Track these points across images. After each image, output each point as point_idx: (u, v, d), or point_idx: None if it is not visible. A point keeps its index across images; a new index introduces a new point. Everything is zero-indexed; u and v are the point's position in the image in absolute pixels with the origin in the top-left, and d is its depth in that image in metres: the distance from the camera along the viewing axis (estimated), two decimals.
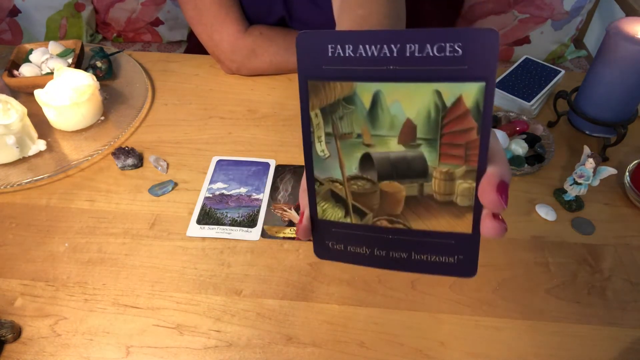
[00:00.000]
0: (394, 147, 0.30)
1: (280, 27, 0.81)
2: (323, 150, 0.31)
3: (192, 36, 1.16)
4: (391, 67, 0.28)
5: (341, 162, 0.31)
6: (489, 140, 0.28)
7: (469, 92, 0.27)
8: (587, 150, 0.60)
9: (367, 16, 0.51)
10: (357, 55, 0.28)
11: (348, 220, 0.33)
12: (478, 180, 0.29)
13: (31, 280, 0.53)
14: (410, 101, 0.28)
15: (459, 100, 0.28)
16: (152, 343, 0.48)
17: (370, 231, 0.32)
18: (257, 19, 0.80)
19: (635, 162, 0.63)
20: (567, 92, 0.70)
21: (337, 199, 0.32)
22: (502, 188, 0.27)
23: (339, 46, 0.28)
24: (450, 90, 0.27)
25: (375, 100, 0.29)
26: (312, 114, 0.31)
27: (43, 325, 0.49)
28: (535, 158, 0.65)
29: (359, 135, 0.30)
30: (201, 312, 0.51)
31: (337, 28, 0.55)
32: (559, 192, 0.62)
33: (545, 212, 0.60)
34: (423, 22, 1.00)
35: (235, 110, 0.76)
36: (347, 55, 0.28)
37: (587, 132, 0.69)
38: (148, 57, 0.86)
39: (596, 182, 0.59)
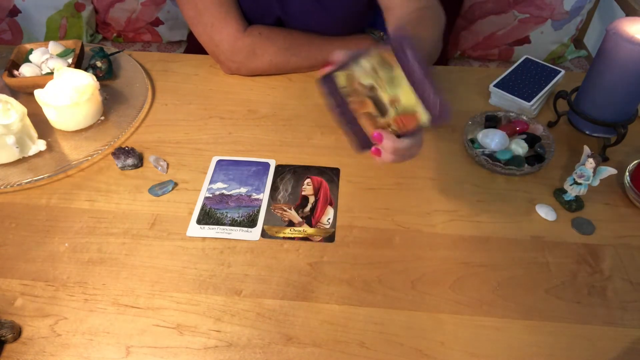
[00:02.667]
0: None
1: (279, 27, 0.81)
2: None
3: (192, 36, 1.16)
4: None
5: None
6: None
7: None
8: (587, 150, 0.60)
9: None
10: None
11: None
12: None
13: (31, 280, 0.53)
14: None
15: None
16: (152, 343, 0.48)
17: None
18: (253, 19, 0.80)
19: (635, 162, 0.63)
20: (567, 92, 0.70)
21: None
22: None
23: None
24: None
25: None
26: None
27: (43, 325, 0.49)
28: (535, 158, 0.65)
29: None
30: (201, 312, 0.51)
31: None
32: (559, 192, 0.62)
33: (545, 212, 0.60)
34: None
35: (235, 110, 0.76)
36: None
37: (587, 132, 0.69)
38: (148, 57, 0.86)
39: (596, 182, 0.59)
